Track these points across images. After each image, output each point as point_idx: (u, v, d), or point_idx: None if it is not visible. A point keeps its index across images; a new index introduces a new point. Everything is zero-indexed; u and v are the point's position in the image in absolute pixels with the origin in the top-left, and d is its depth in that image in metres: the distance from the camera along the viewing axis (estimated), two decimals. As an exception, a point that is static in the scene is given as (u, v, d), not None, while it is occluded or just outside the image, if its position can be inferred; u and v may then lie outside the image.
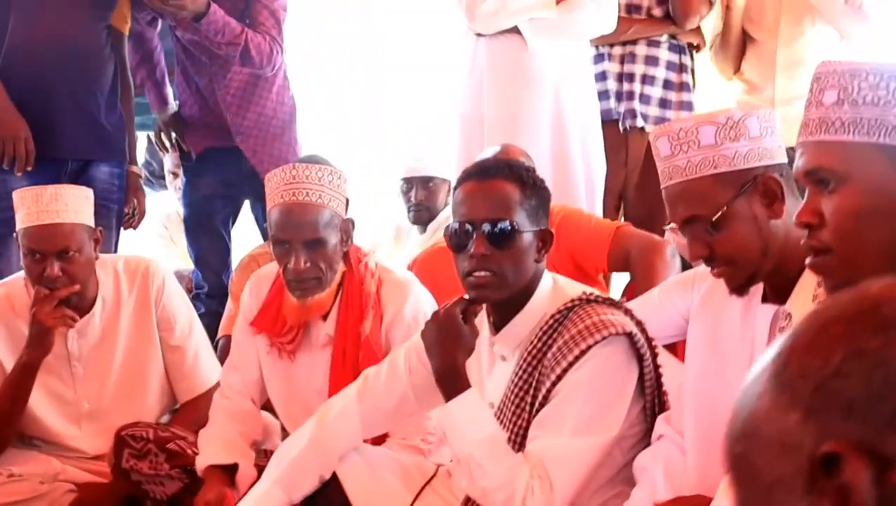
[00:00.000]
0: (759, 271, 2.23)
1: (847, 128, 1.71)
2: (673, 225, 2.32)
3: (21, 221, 3.54)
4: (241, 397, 3.48)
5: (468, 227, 2.55)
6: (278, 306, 3.36)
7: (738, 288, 2.27)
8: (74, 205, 3.56)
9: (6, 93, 4.14)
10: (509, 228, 2.53)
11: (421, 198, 5.17)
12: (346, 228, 3.29)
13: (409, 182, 5.23)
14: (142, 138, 5.55)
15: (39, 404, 3.68)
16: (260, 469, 3.07)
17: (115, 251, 4.43)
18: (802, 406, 0.86)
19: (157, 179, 6.04)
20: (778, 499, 0.88)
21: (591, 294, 2.59)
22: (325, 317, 3.32)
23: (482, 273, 2.53)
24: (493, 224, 2.53)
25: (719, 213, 2.20)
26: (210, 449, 3.34)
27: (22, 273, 3.68)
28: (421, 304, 3.30)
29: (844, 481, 0.82)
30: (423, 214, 5.21)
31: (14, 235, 3.63)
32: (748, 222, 2.20)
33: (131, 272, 3.78)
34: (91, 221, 3.62)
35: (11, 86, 4.19)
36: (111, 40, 4.43)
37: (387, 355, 2.99)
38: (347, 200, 3.37)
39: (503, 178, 2.58)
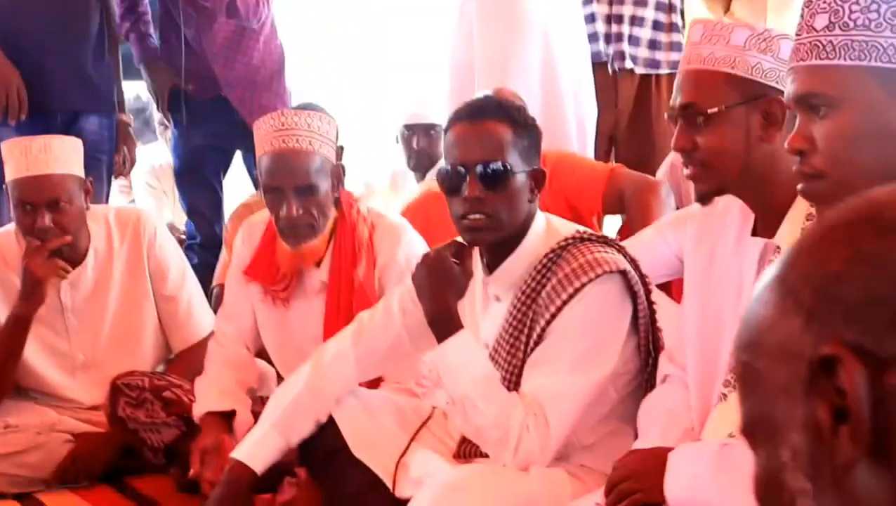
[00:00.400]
0: (730, 185, 2.21)
1: (838, 51, 1.70)
2: (671, 110, 2.28)
3: (11, 173, 3.53)
4: (236, 345, 3.49)
5: (461, 169, 2.54)
6: (271, 254, 3.36)
7: (704, 196, 2.25)
8: (64, 156, 3.55)
9: None
10: (502, 169, 2.52)
11: (423, 145, 5.16)
12: (338, 173, 3.28)
13: (411, 129, 5.19)
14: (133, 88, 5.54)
15: (34, 356, 3.68)
16: (256, 416, 3.07)
17: (107, 202, 4.42)
18: (804, 311, 0.85)
19: (149, 128, 6.04)
20: (776, 405, 0.88)
21: (584, 232, 2.58)
22: (318, 263, 3.33)
23: (477, 216, 2.52)
24: (486, 166, 2.51)
25: (716, 109, 2.17)
26: (206, 396, 3.34)
27: (13, 225, 3.68)
28: (413, 248, 3.30)
29: (841, 383, 0.82)
30: (423, 162, 5.20)
31: (4, 187, 3.62)
32: (739, 132, 2.18)
33: (122, 223, 3.77)
34: (81, 172, 3.61)
35: (7, 40, 4.17)
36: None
37: (380, 300, 2.99)
38: (340, 148, 3.35)
39: (494, 118, 2.56)
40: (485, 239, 2.57)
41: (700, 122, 2.19)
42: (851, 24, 1.68)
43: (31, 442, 3.58)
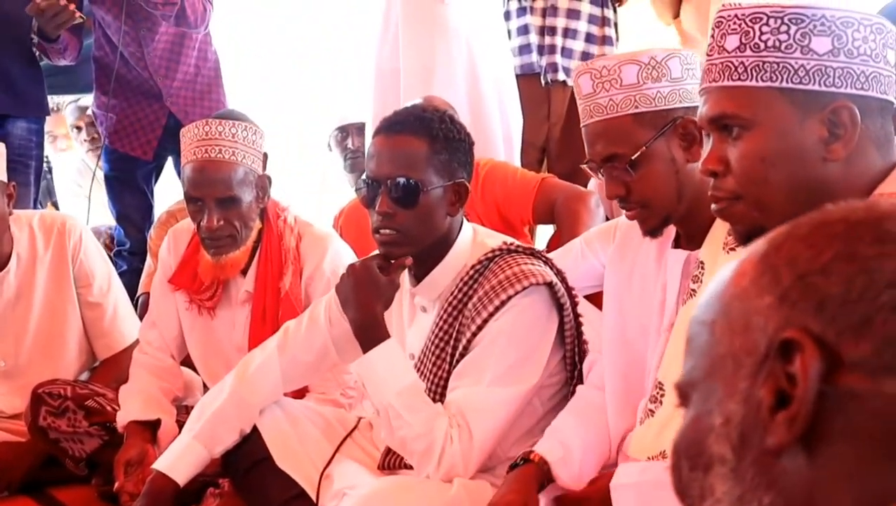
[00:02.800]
0: (673, 214, 2.24)
1: (750, 73, 1.69)
2: (591, 163, 2.29)
3: None
4: (161, 354, 3.46)
5: (374, 183, 2.53)
6: (196, 263, 3.34)
7: (652, 230, 2.27)
8: None
9: None
10: (413, 185, 2.50)
11: (357, 144, 5.16)
12: (263, 184, 3.25)
13: (345, 130, 5.20)
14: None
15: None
16: (181, 425, 3.03)
17: (34, 207, 4.36)
18: (779, 292, 0.86)
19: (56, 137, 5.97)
20: (722, 371, 0.89)
21: (511, 244, 2.58)
22: (244, 273, 3.30)
23: (387, 231, 2.52)
24: (396, 182, 2.49)
25: (638, 152, 2.20)
26: (131, 405, 3.30)
27: None
28: (340, 257, 3.29)
29: (795, 369, 0.83)
30: (359, 162, 5.18)
31: None
32: (666, 164, 2.21)
33: (47, 228, 3.72)
34: (4, 176, 3.54)
35: None
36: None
37: (306, 309, 2.96)
38: (265, 156, 3.32)
39: (410, 133, 2.54)
40: (396, 253, 2.56)
41: (628, 168, 2.21)
42: (762, 46, 1.68)
43: (-50, 451, 3.51)
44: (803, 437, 0.83)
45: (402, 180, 2.49)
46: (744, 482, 0.86)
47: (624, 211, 2.29)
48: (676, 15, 4.81)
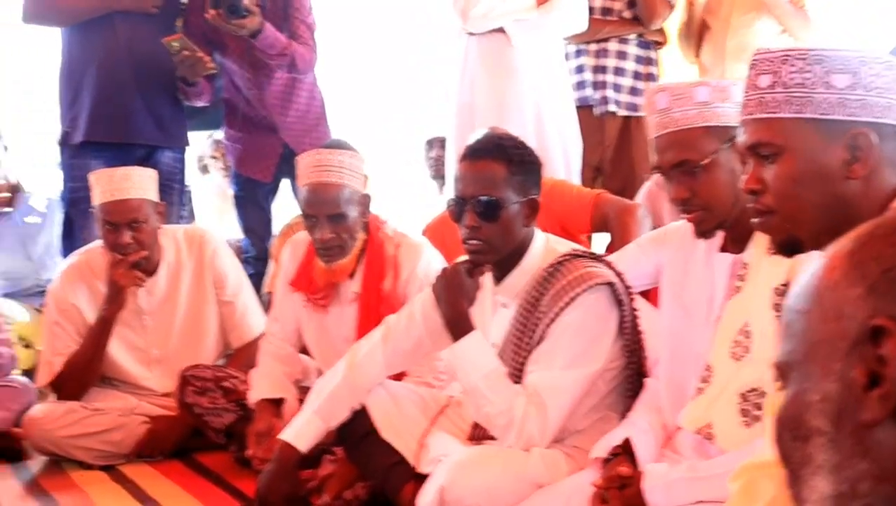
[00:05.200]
0: (727, 219, 2.20)
1: (781, 106, 1.67)
2: (660, 169, 2.26)
3: (98, 198, 3.53)
4: (283, 343, 3.47)
5: (461, 201, 2.52)
6: (312, 269, 3.35)
7: (706, 232, 2.24)
8: (141, 183, 3.55)
9: None
10: (495, 202, 2.48)
11: (439, 154, 5.25)
12: (365, 201, 3.26)
13: (430, 143, 5.34)
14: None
15: (117, 351, 3.67)
16: (301, 403, 3.03)
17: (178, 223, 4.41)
18: (867, 284, 0.85)
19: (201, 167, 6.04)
20: (818, 354, 0.88)
21: (577, 250, 2.56)
22: (351, 276, 3.30)
23: (474, 242, 2.51)
24: (480, 200, 2.49)
25: (706, 159, 2.17)
26: (260, 386, 3.33)
27: (99, 242, 3.66)
28: (432, 263, 3.27)
29: (884, 352, 0.82)
30: (440, 170, 5.25)
31: (92, 210, 3.61)
32: (727, 173, 2.18)
33: (190, 240, 3.77)
34: (155, 197, 3.60)
35: (98, 85, 4.20)
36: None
37: (404, 306, 2.96)
38: (366, 177, 3.33)
39: (491, 158, 2.52)
40: (482, 261, 2.55)
41: (695, 173, 2.18)
42: (790, 83, 1.65)
43: (115, 423, 3.56)
44: (894, 411, 0.82)
45: (485, 198, 2.48)
46: (841, 452, 0.85)
47: (683, 214, 2.25)
48: (697, 54, 4.76)
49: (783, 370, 0.92)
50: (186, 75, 4.21)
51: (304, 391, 3.26)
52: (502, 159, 2.51)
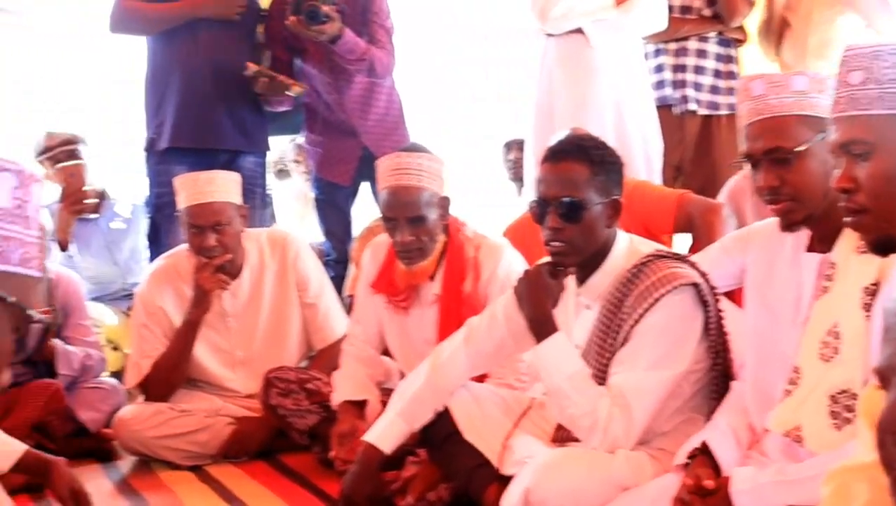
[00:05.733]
0: (815, 211, 2.15)
1: (873, 103, 1.63)
2: (751, 158, 2.22)
3: (183, 202, 3.58)
4: (365, 345, 3.49)
5: (544, 203, 2.51)
6: (392, 271, 3.36)
7: (792, 224, 2.19)
8: (225, 186, 3.60)
9: None
10: (578, 204, 2.47)
11: (518, 157, 5.25)
12: (445, 204, 3.26)
13: (508, 145, 5.34)
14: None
15: (203, 353, 3.72)
16: (384, 405, 3.05)
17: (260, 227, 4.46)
18: None
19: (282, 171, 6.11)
20: None
21: (661, 250, 2.54)
22: (432, 278, 3.30)
23: (557, 243, 2.49)
24: (563, 202, 2.47)
25: (800, 148, 2.13)
26: (343, 387, 3.35)
27: (185, 245, 3.72)
28: (512, 264, 3.27)
29: None
30: (519, 172, 5.25)
31: (177, 214, 3.67)
32: (819, 164, 2.13)
33: (273, 243, 3.81)
34: (239, 201, 3.65)
35: (181, 92, 4.29)
36: (255, 57, 4.46)
37: (485, 308, 2.96)
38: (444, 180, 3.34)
39: (573, 159, 2.51)
40: (565, 263, 2.53)
41: (787, 161, 2.14)
42: (884, 79, 1.61)
43: (201, 424, 3.61)
44: None
45: (568, 200, 2.46)
46: None
47: (770, 204, 2.20)
48: (778, 51, 4.69)
49: (885, 375, 0.91)
50: (267, 96, 4.29)
51: (386, 393, 3.28)
52: (584, 160, 2.50)
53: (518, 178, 5.33)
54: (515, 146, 5.35)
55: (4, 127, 5.94)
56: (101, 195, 4.74)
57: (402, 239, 3.18)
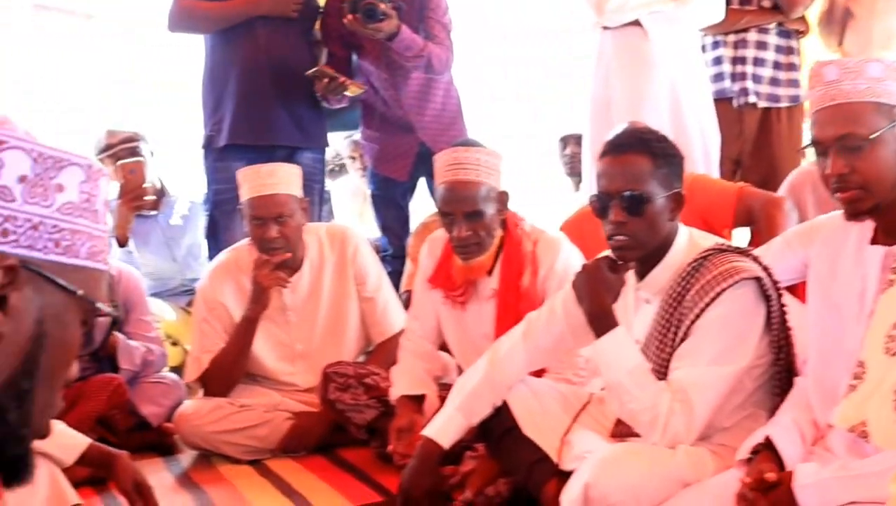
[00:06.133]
0: (883, 201, 2.11)
1: None
2: (819, 145, 2.17)
3: (245, 194, 3.61)
4: (422, 341, 3.50)
5: (606, 197, 2.49)
6: (450, 266, 3.36)
7: (859, 213, 2.15)
8: (287, 179, 3.63)
9: None
10: (641, 197, 2.44)
11: (574, 151, 5.22)
12: (502, 198, 3.25)
13: (564, 140, 5.31)
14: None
15: (262, 347, 3.75)
16: (442, 400, 3.05)
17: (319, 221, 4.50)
18: None
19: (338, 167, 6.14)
20: None
21: (723, 244, 2.51)
22: (490, 273, 3.30)
23: (620, 237, 2.47)
24: (626, 195, 2.45)
25: (873, 135, 2.09)
26: (401, 382, 3.36)
27: (245, 240, 3.75)
28: (570, 258, 3.25)
29: None
30: (576, 167, 5.23)
31: (237, 208, 3.70)
32: (891, 153, 2.09)
33: (332, 237, 3.84)
34: (300, 194, 3.67)
35: (239, 90, 4.32)
36: (312, 54, 4.48)
37: (542, 303, 2.94)
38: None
39: (635, 152, 2.48)
40: (629, 257, 2.51)
41: (858, 148, 2.10)
42: None
43: (260, 419, 3.64)
44: None
45: (631, 193, 2.44)
46: None
47: (838, 193, 2.16)
48: (840, 42, 4.61)
49: None
50: (328, 97, 4.31)
51: (444, 388, 3.28)
52: (646, 153, 2.47)
53: (575, 173, 5.30)
54: (572, 141, 5.32)
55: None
56: (161, 192, 4.79)
57: (460, 234, 3.18)
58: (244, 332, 3.66)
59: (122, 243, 4.25)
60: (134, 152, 4.49)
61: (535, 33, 6.50)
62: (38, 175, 0.95)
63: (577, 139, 5.17)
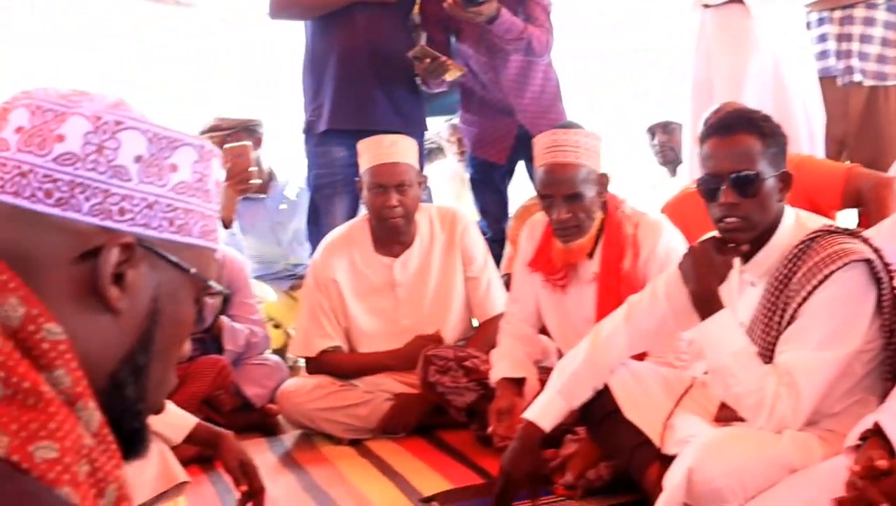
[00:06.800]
0: None
1: None
2: None
3: (366, 163, 3.69)
4: (522, 324, 3.50)
5: (716, 178, 2.44)
6: (550, 249, 3.34)
7: None
8: (407, 150, 3.72)
9: None
10: (753, 177, 2.40)
11: (663, 140, 5.13)
12: (603, 181, 3.23)
13: (651, 130, 5.23)
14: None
15: (368, 321, 3.81)
16: (542, 383, 3.04)
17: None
18: None
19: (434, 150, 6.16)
20: None
21: (831, 226, 2.44)
22: (590, 256, 3.27)
23: (731, 219, 2.42)
24: (738, 175, 2.40)
25: None
26: (501, 365, 3.36)
27: (360, 216, 3.86)
28: (672, 241, 3.21)
29: None
30: (668, 155, 5.14)
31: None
32: None
33: (442, 217, 3.89)
34: (418, 167, 3.71)
35: (339, 75, 4.36)
36: (410, 39, 4.50)
37: (643, 287, 2.91)
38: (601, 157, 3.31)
39: (744, 131, 2.43)
40: (740, 239, 2.45)
41: None
42: None
43: (361, 398, 3.69)
44: None
45: (743, 174, 2.40)
46: None
47: None
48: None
49: None
50: (428, 79, 4.32)
51: (544, 372, 3.27)
52: (755, 132, 2.43)
53: (668, 161, 5.20)
54: (659, 129, 5.23)
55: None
56: (269, 176, 4.87)
57: (559, 216, 3.16)
58: (372, 366, 3.72)
59: (227, 225, 4.32)
60: (243, 137, 4.57)
61: (593, 25, 6.42)
62: (153, 155, 0.97)
63: (663, 127, 5.12)
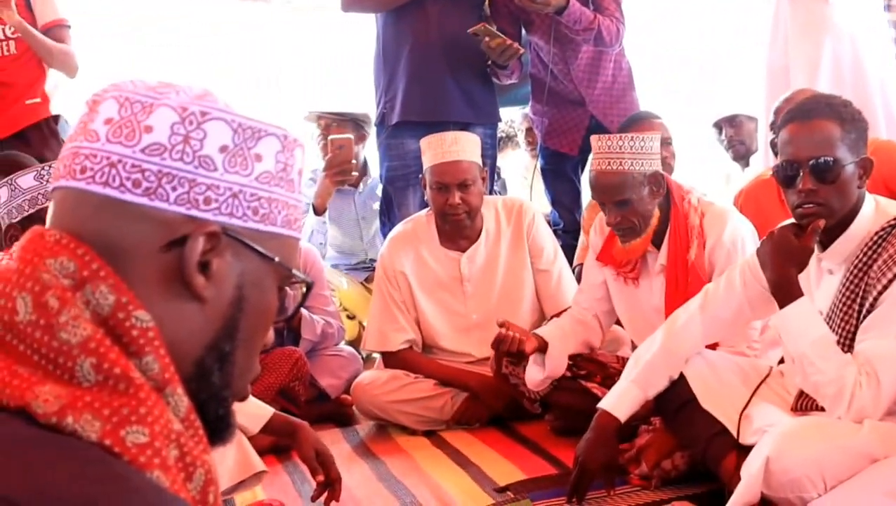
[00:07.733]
0: None
1: None
2: None
3: (429, 161, 3.69)
4: (585, 312, 3.50)
5: (794, 165, 2.41)
6: (613, 245, 3.33)
7: None
8: (470, 147, 3.69)
9: None
10: (832, 163, 2.36)
11: (731, 134, 5.06)
12: (656, 179, 3.18)
13: (718, 126, 5.15)
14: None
15: (437, 317, 3.82)
16: (617, 373, 3.03)
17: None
18: None
19: (511, 139, 6.16)
20: None
21: (912, 212, 2.39)
22: (658, 247, 3.25)
23: (810, 206, 2.39)
24: (817, 161, 2.37)
25: None
26: (545, 327, 3.42)
27: (424, 211, 3.86)
28: (738, 230, 3.18)
29: None
30: (739, 149, 5.07)
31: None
32: None
33: (508, 209, 3.87)
34: (480, 162, 3.70)
35: (411, 68, 4.37)
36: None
37: (710, 276, 2.88)
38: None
39: (823, 117, 2.40)
40: (819, 226, 2.41)
41: None
42: None
43: (435, 390, 3.71)
44: None
45: (822, 160, 2.37)
46: None
47: None
48: None
49: None
50: (496, 60, 4.30)
51: (618, 361, 3.26)
52: (834, 118, 2.39)
53: (739, 155, 5.12)
54: (726, 123, 5.14)
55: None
56: (364, 171, 4.92)
57: (611, 221, 3.18)
58: (453, 380, 3.72)
59: (320, 212, 4.38)
60: (345, 129, 4.62)
61: (640, 21, 6.36)
62: (238, 145, 0.98)
63: (729, 121, 5.05)
